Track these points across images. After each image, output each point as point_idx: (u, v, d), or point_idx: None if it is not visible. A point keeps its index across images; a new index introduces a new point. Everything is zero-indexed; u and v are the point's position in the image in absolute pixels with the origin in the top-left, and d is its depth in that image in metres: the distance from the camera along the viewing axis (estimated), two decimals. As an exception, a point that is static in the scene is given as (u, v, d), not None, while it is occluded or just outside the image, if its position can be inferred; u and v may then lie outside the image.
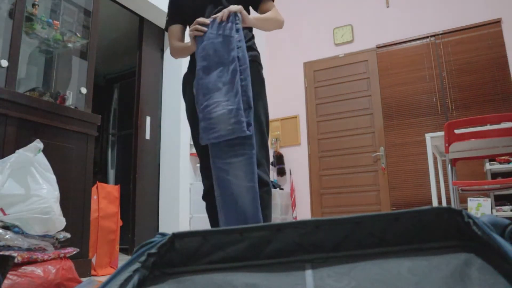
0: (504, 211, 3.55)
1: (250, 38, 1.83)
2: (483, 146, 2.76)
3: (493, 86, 4.08)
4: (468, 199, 2.76)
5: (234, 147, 1.58)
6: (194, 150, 4.10)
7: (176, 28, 1.88)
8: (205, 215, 1.76)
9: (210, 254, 0.53)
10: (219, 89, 1.59)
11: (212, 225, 1.74)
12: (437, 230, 0.49)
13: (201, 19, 1.68)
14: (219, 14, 1.65)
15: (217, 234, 0.53)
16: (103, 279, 2.17)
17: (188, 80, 1.84)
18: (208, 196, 1.73)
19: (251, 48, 1.81)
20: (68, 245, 1.98)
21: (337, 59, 4.92)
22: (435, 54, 4.39)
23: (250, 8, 1.92)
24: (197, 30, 1.67)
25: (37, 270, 1.55)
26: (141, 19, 4.03)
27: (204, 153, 1.74)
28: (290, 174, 4.86)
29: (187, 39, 1.83)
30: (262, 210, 1.60)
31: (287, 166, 4.92)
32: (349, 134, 4.69)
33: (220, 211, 1.60)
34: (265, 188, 1.67)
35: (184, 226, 3.82)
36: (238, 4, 1.70)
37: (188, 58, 1.90)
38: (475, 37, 4.23)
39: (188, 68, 1.89)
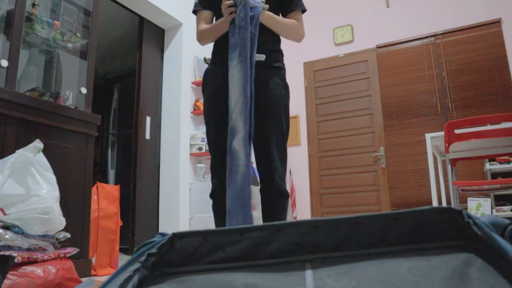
0: (504, 211, 3.55)
1: (278, 40, 1.82)
2: (483, 146, 2.76)
3: (493, 86, 4.08)
4: (468, 199, 2.75)
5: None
6: (194, 150, 4.10)
7: (207, 13, 1.83)
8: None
9: (210, 254, 0.53)
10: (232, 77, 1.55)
11: (217, 223, 1.71)
12: (437, 230, 0.49)
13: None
14: None
15: (217, 234, 0.53)
16: (103, 279, 2.17)
17: (211, 73, 1.79)
18: (216, 194, 1.70)
19: (280, 52, 1.81)
20: (68, 245, 1.98)
21: (337, 59, 4.92)
22: (435, 54, 4.39)
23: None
24: (228, 7, 1.62)
25: (37, 270, 1.55)
26: (141, 19, 4.02)
27: (217, 151, 1.69)
28: (290, 174, 4.86)
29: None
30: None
31: (287, 166, 4.92)
32: (349, 134, 4.69)
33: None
34: (284, 200, 1.69)
35: (184, 226, 3.82)
36: (272, 3, 1.69)
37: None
38: (475, 37, 4.22)
39: (212, 60, 1.84)
